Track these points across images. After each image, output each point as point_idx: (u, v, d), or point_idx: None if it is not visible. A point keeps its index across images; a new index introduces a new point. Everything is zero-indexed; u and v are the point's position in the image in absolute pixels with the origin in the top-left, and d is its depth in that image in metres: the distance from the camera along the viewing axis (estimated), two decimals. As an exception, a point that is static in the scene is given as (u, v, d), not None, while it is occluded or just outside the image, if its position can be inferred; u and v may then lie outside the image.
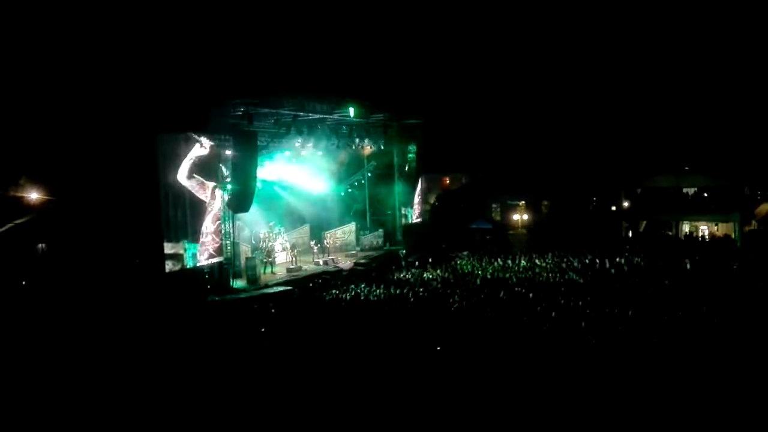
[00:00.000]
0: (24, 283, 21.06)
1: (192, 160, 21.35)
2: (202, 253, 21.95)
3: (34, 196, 22.47)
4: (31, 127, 21.75)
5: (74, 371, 13.09)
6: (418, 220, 36.27)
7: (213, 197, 22.40)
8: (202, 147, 21.60)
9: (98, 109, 21.54)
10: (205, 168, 21.90)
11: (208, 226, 22.21)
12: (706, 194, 38.69)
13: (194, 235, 21.64)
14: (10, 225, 21.49)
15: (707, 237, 36.39)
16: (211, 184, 22.27)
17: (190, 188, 21.40)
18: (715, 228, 37.14)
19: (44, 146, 21.88)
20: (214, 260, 22.47)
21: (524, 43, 37.34)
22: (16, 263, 21.29)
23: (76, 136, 21.53)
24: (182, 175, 21.09)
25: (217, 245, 22.57)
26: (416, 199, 36.23)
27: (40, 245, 22.81)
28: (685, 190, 38.57)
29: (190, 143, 21.36)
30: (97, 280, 19.70)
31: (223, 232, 23.31)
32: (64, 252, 21.93)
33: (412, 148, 34.15)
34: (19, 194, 22.28)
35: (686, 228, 38.05)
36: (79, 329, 16.23)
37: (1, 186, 22.01)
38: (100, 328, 16.31)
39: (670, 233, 37.25)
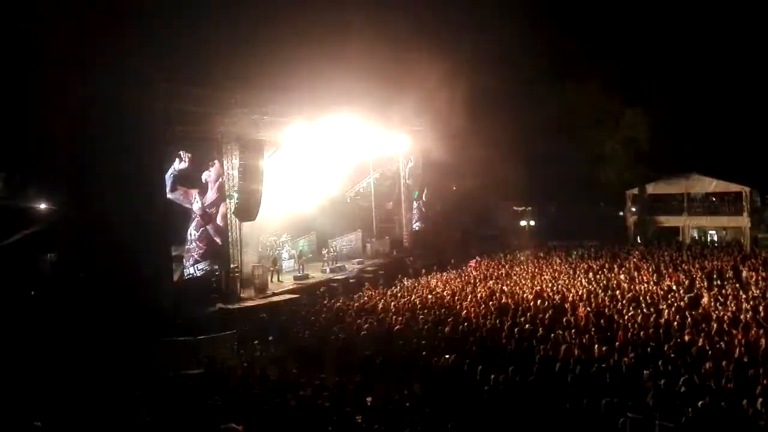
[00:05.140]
0: (33, 293, 21.16)
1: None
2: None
3: (42, 206, 22.62)
4: (39, 138, 21.88)
5: (83, 380, 13.09)
6: (423, 226, 36.21)
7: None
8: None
9: (102, 119, 21.54)
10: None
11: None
12: (714, 198, 38.52)
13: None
14: (19, 235, 21.62)
15: (716, 241, 36.23)
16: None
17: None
18: (724, 232, 36.98)
19: (52, 157, 22.01)
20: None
21: (531, 44, 37.12)
22: (25, 273, 21.40)
23: (81, 145, 21.57)
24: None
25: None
26: (422, 205, 36.21)
27: (48, 255, 22.93)
28: (692, 194, 38.37)
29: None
30: (106, 288, 19.72)
31: (229, 240, 23.30)
32: (72, 262, 22.01)
33: (418, 154, 34.15)
34: (28, 205, 22.44)
35: (694, 232, 37.92)
36: (87, 338, 16.24)
37: (9, 196, 22.18)
38: (108, 336, 16.32)
39: (678, 238, 37.10)
